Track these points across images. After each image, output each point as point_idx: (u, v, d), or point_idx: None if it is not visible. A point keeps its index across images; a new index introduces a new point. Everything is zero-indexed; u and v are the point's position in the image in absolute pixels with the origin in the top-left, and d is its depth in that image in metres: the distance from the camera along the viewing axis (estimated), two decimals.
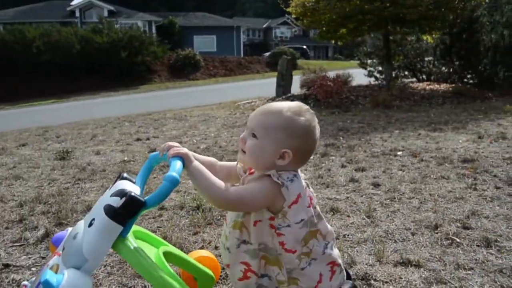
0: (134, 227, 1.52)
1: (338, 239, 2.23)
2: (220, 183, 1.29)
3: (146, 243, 1.58)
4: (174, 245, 2.19)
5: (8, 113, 13.06)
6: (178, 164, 1.26)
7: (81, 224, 1.33)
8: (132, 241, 1.31)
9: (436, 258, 1.99)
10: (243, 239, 1.34)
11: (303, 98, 8.83)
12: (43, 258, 2.15)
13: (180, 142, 5.00)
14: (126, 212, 1.24)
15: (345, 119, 6.51)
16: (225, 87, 17.34)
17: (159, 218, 2.63)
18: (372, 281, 1.79)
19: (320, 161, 3.88)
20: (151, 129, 6.59)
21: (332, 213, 2.59)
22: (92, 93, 17.12)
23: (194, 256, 1.74)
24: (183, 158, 1.28)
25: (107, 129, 6.79)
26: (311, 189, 1.40)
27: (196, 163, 1.30)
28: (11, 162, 4.52)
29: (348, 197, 2.87)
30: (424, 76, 11.94)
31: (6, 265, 2.05)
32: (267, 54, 28.29)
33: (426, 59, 11.96)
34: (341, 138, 4.98)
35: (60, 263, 1.26)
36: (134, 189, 1.31)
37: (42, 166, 4.20)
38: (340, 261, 1.40)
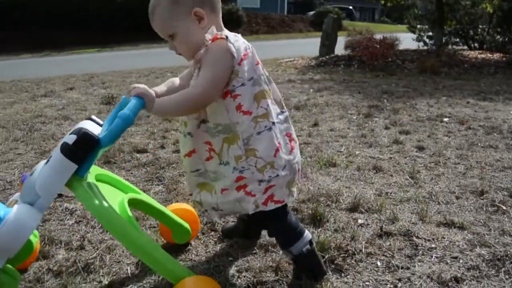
0: (103, 172, 1.54)
1: (380, 196, 2.22)
2: (183, 94, 1.27)
3: (114, 188, 1.54)
4: None
5: (54, 60, 13.43)
6: (134, 103, 1.21)
7: (42, 163, 1.31)
8: (89, 183, 1.29)
9: (481, 222, 1.95)
10: (201, 118, 1.33)
11: (347, 59, 8.62)
12: None
13: None
14: (79, 149, 1.21)
15: (389, 83, 6.33)
16: (267, 44, 17.08)
17: None
18: (415, 238, 1.79)
19: (364, 121, 3.82)
20: None
21: (374, 171, 2.57)
22: (132, 44, 17.28)
23: (172, 208, 1.70)
24: (143, 98, 1.23)
25: (150, 79, 6.89)
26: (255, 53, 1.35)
27: (157, 100, 1.25)
28: (60, 104, 4.68)
29: (391, 158, 2.83)
30: (476, 45, 11.36)
31: (59, 195, 2.16)
32: (311, 13, 27.51)
33: (480, 26, 11.34)
34: (385, 100, 4.87)
35: (18, 199, 1.27)
36: (92, 128, 1.27)
37: (89, 109, 4.34)
38: (297, 141, 1.44)
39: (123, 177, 2.04)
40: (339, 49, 10.09)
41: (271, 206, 1.34)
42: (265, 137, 1.30)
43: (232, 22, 22.06)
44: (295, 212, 1.99)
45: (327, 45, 9.89)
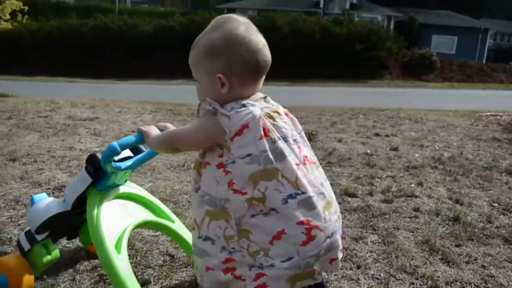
0: (143, 195, 1.78)
1: None
2: (165, 133, 1.35)
3: (144, 208, 1.77)
4: (437, 251, 2.16)
5: None
6: (131, 136, 1.45)
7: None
8: (102, 198, 1.60)
9: None
10: (197, 186, 1.25)
11: None
12: None
13: (422, 146, 4.85)
14: (89, 165, 1.56)
15: None
16: (462, 93, 15.98)
17: (415, 219, 2.62)
18: None
19: None
20: (388, 126, 6.55)
21: None
22: (321, 81, 17.97)
23: None
24: (141, 133, 1.41)
25: (343, 119, 7.04)
26: (280, 121, 1.23)
27: (153, 136, 1.37)
28: None
29: None
30: None
31: None
32: None
33: None
34: None
35: None
36: (124, 153, 1.58)
37: None
38: (326, 225, 1.19)
39: None
40: None
41: None
42: (260, 221, 1.15)
43: (425, 66, 21.32)
44: None
45: None
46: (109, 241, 1.49)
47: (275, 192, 1.15)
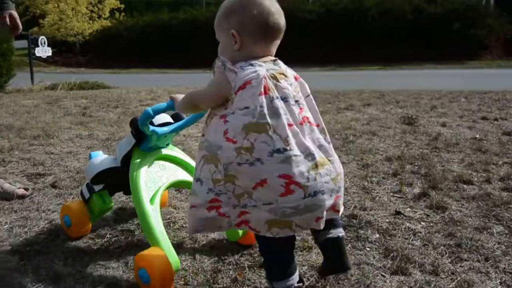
0: (183, 158, 1.93)
1: None
2: (188, 94, 1.54)
3: (181, 168, 1.92)
4: None
5: (340, 74, 14.49)
6: (163, 103, 1.64)
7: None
8: (146, 156, 1.82)
9: None
10: (203, 132, 1.42)
11: None
12: (427, 215, 2.25)
13: None
14: (131, 127, 1.77)
15: None
16: None
17: None
18: None
19: None
20: (495, 109, 6.01)
21: None
22: (415, 64, 17.04)
23: None
24: (172, 100, 1.60)
25: (444, 102, 6.59)
26: (284, 83, 1.36)
27: (179, 101, 1.57)
28: (363, 118, 4.96)
29: None
30: None
31: (398, 212, 2.24)
32: None
33: None
34: None
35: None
36: (160, 118, 1.81)
37: (393, 127, 4.43)
38: (308, 184, 1.29)
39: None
40: None
41: (244, 228, 1.36)
42: (245, 170, 1.28)
43: None
44: None
45: None
46: (145, 194, 1.69)
47: (263, 144, 1.27)
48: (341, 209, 1.45)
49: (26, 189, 2.54)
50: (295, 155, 1.28)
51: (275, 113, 1.29)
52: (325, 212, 1.36)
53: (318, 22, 19.56)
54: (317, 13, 20.17)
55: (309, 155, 1.32)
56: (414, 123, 4.66)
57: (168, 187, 1.86)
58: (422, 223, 2.16)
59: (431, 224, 2.14)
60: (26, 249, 1.87)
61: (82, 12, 19.86)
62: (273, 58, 1.43)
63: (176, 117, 1.86)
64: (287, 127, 1.30)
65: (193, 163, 1.91)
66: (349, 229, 2.07)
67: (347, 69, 16.50)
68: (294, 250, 1.56)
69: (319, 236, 1.49)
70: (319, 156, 1.34)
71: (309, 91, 1.45)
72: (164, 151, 1.89)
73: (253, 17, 1.36)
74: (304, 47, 18.75)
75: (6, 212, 2.26)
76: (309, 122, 1.38)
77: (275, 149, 1.27)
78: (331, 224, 1.45)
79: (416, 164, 3.09)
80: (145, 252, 1.58)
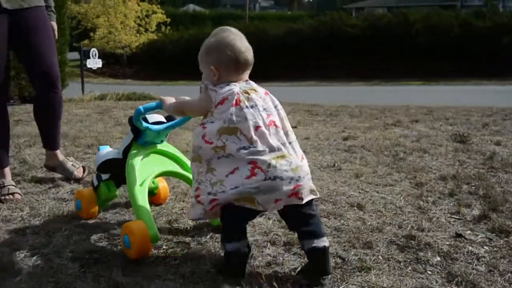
0: (175, 152, 2.25)
1: None
2: (176, 102, 1.96)
3: (169, 160, 2.24)
4: None
5: (383, 89, 14.26)
6: (152, 103, 2.05)
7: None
8: (142, 148, 2.14)
9: None
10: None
11: None
12: (490, 239, 2.14)
13: None
14: (129, 124, 2.12)
15: None
16: None
17: None
18: None
19: None
20: None
21: None
22: (461, 79, 16.52)
23: None
24: (161, 102, 2.00)
25: (496, 120, 6.33)
26: (254, 96, 1.74)
27: (167, 103, 1.97)
28: (411, 135, 4.83)
29: None
30: None
31: (459, 235, 2.15)
32: None
33: None
34: None
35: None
36: (154, 117, 2.16)
37: (444, 145, 4.29)
38: (269, 169, 1.63)
39: None
40: None
41: (215, 212, 1.76)
42: (222, 162, 1.67)
43: None
44: None
45: None
46: (137, 177, 2.03)
47: (232, 143, 1.66)
48: (308, 197, 1.73)
49: (84, 170, 3.07)
50: (259, 150, 1.65)
51: (242, 119, 1.67)
52: (285, 197, 1.67)
53: (362, 36, 19.38)
54: (360, 27, 20.00)
55: (272, 150, 1.67)
56: (467, 141, 4.49)
57: (158, 175, 2.22)
58: (485, 247, 2.05)
59: (495, 249, 2.03)
60: (86, 257, 1.91)
61: (130, 26, 20.54)
62: (246, 79, 1.82)
63: (169, 118, 2.18)
64: (252, 129, 1.66)
65: (183, 157, 2.26)
66: (407, 250, 2.00)
67: (390, 84, 16.20)
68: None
69: (305, 244, 1.72)
70: (280, 151, 1.69)
71: (277, 103, 1.82)
72: (159, 146, 2.21)
73: (227, 55, 1.75)
74: (347, 61, 18.62)
75: (65, 219, 2.34)
76: (275, 125, 1.73)
77: (241, 146, 1.65)
78: (313, 233, 1.71)
79: (473, 184, 2.97)
80: (130, 222, 1.97)
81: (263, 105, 1.73)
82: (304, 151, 3.87)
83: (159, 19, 21.64)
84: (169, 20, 21.89)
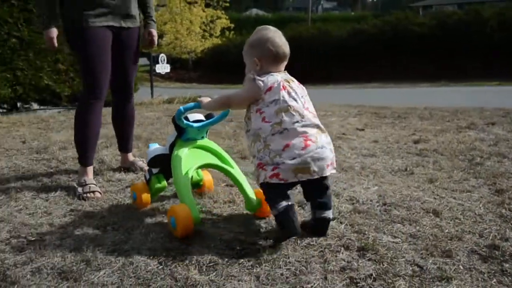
0: (215, 147, 2.46)
1: None
2: (220, 96, 2.25)
3: (210, 154, 2.45)
4: None
5: (452, 90, 13.58)
6: (190, 104, 2.31)
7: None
8: (183, 145, 2.37)
9: None
10: (247, 128, 2.12)
11: None
12: None
13: None
14: (173, 122, 2.35)
15: None
16: None
17: None
18: None
19: None
20: None
21: None
22: None
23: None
24: (199, 102, 2.27)
25: None
26: (293, 84, 2.09)
27: (205, 102, 2.25)
28: (488, 139, 4.56)
29: None
30: None
31: None
32: None
33: None
34: None
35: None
36: (194, 116, 2.38)
37: None
38: (317, 141, 1.98)
39: None
40: None
41: (275, 180, 1.96)
42: (276, 138, 1.94)
43: None
44: None
45: None
46: (182, 169, 2.27)
47: (287, 118, 1.96)
48: (333, 170, 2.05)
49: None
50: (308, 124, 1.98)
51: (292, 99, 1.99)
52: (330, 162, 2.00)
53: (429, 35, 18.61)
54: (428, 25, 19.23)
55: (315, 126, 2.01)
56: None
57: (200, 167, 2.43)
58: None
59: None
60: (163, 254, 1.99)
61: (195, 31, 21.15)
62: (283, 70, 2.14)
63: (208, 117, 2.39)
64: (302, 106, 2.01)
65: (221, 151, 2.46)
66: (491, 261, 1.89)
67: (460, 85, 15.41)
68: None
69: (317, 213, 2.07)
70: (320, 126, 2.03)
71: (306, 92, 2.13)
72: (200, 142, 2.42)
73: (268, 49, 2.06)
74: (413, 61, 17.99)
75: (142, 218, 2.45)
76: (309, 110, 2.06)
77: (295, 120, 1.95)
78: (326, 206, 2.06)
79: None
80: (175, 205, 2.22)
81: (301, 93, 2.07)
82: (373, 155, 3.85)
83: (223, 24, 22.12)
84: (232, 25, 22.30)
